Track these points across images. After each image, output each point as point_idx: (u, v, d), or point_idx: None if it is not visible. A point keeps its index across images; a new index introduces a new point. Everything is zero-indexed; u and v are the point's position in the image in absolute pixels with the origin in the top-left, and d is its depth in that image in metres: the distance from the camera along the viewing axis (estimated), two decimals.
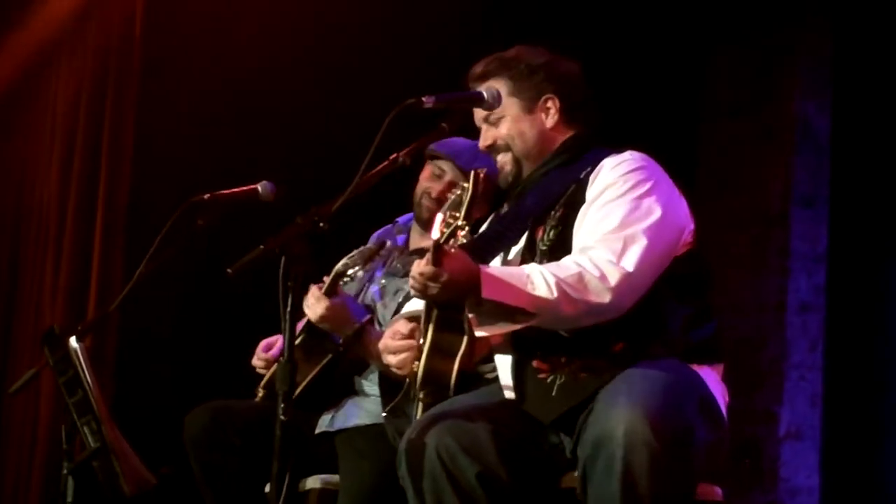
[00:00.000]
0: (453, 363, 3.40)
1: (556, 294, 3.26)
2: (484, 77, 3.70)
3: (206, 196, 4.13)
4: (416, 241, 4.59)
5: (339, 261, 4.71)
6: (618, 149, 3.59)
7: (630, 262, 3.33)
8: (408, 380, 3.62)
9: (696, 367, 3.43)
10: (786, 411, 6.09)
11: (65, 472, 3.93)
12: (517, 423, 3.47)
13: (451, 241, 3.32)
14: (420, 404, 3.50)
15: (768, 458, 6.07)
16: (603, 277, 3.30)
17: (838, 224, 6.19)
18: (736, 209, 6.23)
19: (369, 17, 6.06)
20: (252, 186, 4.14)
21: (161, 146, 6.04)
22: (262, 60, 6.07)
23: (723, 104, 6.49)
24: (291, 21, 6.01)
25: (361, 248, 4.29)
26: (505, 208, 3.76)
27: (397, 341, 3.61)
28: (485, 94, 3.61)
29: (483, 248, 3.57)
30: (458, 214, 3.33)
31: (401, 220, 4.73)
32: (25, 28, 6.15)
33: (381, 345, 3.67)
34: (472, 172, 3.40)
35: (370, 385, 4.39)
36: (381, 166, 3.58)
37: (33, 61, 6.19)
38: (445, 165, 4.50)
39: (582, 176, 3.54)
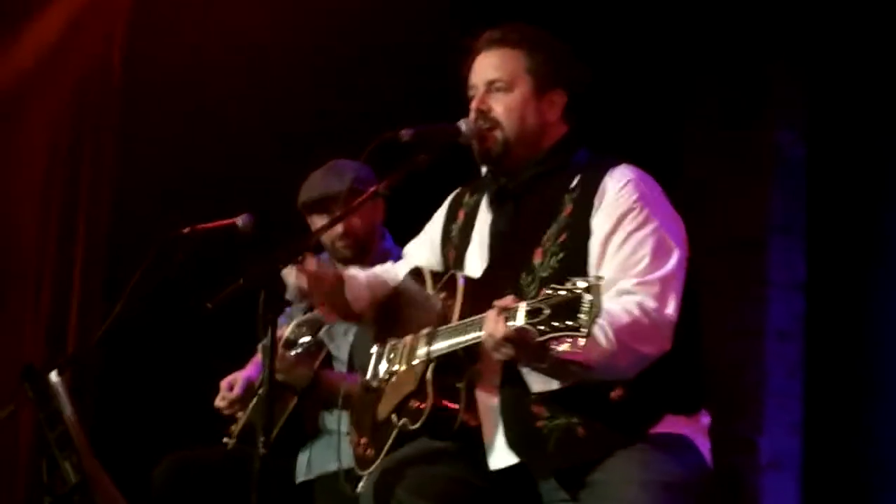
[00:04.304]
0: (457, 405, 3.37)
1: (615, 346, 3.14)
2: (501, 42, 3.48)
3: (186, 230, 4.15)
4: None
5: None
6: (608, 160, 3.45)
7: (672, 308, 3.24)
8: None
9: (686, 424, 3.38)
10: (765, 440, 6.09)
11: None
12: (485, 469, 3.41)
13: (551, 343, 2.98)
14: (396, 431, 3.45)
15: (748, 487, 6.07)
16: (654, 327, 3.20)
17: (815, 252, 6.20)
18: (713, 236, 6.24)
19: (350, 51, 6.08)
20: (231, 220, 4.16)
21: (140, 180, 6.04)
22: (241, 96, 6.08)
23: (700, 132, 6.51)
24: (270, 58, 6.03)
25: (309, 315, 4.34)
26: (498, 221, 3.55)
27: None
28: (463, 127, 3.47)
29: (496, 283, 3.39)
30: (574, 325, 2.91)
31: (324, 256, 4.72)
32: (2, 62, 6.14)
33: None
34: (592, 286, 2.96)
35: (334, 421, 4.42)
36: (360, 199, 3.60)
37: (11, 95, 6.17)
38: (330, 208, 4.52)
39: (572, 186, 3.40)
